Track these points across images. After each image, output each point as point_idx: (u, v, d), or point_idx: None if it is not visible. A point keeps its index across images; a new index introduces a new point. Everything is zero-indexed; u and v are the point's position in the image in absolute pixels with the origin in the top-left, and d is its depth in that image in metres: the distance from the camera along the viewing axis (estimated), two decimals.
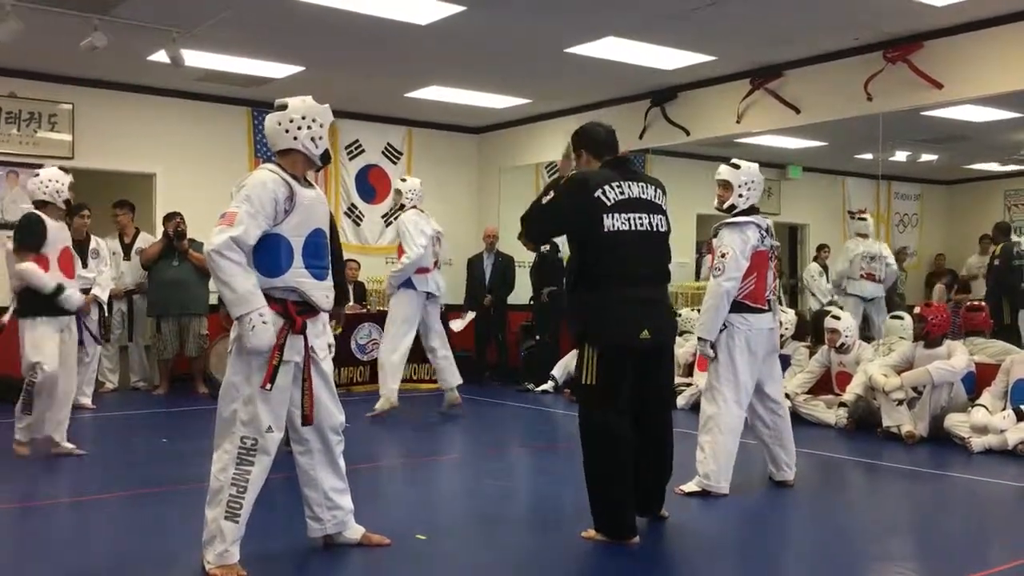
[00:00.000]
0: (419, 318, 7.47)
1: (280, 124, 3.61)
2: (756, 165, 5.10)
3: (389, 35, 7.41)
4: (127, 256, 8.96)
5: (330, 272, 3.65)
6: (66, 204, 5.74)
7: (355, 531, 3.84)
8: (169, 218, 8.70)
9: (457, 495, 5.21)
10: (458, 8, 6.72)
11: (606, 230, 3.83)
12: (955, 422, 6.46)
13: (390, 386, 7.34)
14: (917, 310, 7.07)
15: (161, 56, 7.72)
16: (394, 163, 11.14)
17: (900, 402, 6.62)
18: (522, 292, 10.44)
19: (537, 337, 9.96)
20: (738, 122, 8.64)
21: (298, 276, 3.50)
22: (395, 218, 8.12)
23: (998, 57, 6.89)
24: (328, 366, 3.70)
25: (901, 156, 11.94)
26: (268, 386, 3.39)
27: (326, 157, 3.68)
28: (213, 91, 9.55)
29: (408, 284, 7.34)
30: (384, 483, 5.41)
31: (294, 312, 3.48)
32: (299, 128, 3.59)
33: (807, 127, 8.61)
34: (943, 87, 7.23)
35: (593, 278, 3.93)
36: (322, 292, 3.58)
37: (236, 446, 3.42)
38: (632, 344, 3.88)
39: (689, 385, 8.30)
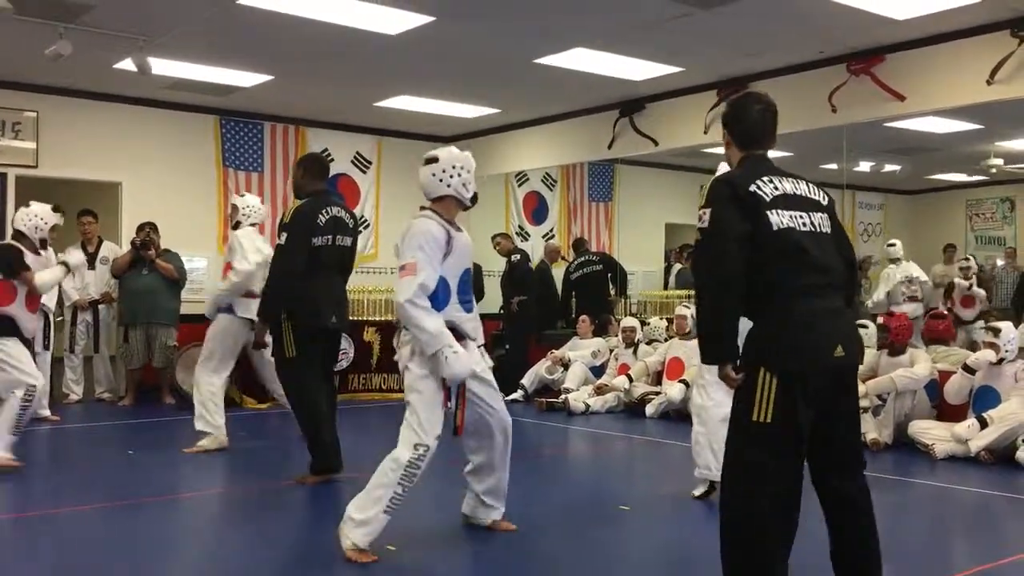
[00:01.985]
0: (239, 348, 6.55)
1: (434, 175, 4.07)
2: None
3: (358, 45, 7.41)
4: (91, 266, 8.87)
5: (474, 305, 4.15)
6: (41, 243, 5.96)
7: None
8: (140, 228, 8.65)
9: (431, 505, 5.20)
10: (427, 19, 6.74)
11: (775, 228, 2.98)
12: (919, 429, 6.56)
13: (218, 422, 6.32)
14: (880, 319, 7.17)
15: (127, 64, 7.66)
16: (364, 172, 11.12)
17: (865, 410, 6.70)
18: (492, 301, 10.45)
19: (507, 346, 9.97)
20: (705, 132, 8.72)
21: (454, 311, 3.98)
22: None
23: (958, 70, 7.02)
24: (490, 377, 4.21)
25: (865, 166, 12.14)
26: (449, 405, 3.94)
27: (475, 199, 4.18)
28: (180, 99, 9.48)
29: (229, 309, 6.35)
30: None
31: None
32: (451, 176, 4.06)
33: None
34: (905, 99, 7.35)
35: (765, 291, 3.00)
36: (471, 324, 4.12)
37: (410, 451, 3.84)
38: (825, 364, 2.98)
39: (658, 394, 8.35)
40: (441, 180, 4.06)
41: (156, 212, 9.04)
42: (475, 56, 7.85)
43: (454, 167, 4.07)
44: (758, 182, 3.03)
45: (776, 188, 3.04)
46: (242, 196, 6.90)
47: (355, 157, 11.09)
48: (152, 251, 8.52)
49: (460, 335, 3.98)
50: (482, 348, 4.26)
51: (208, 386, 6.28)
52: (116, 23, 6.93)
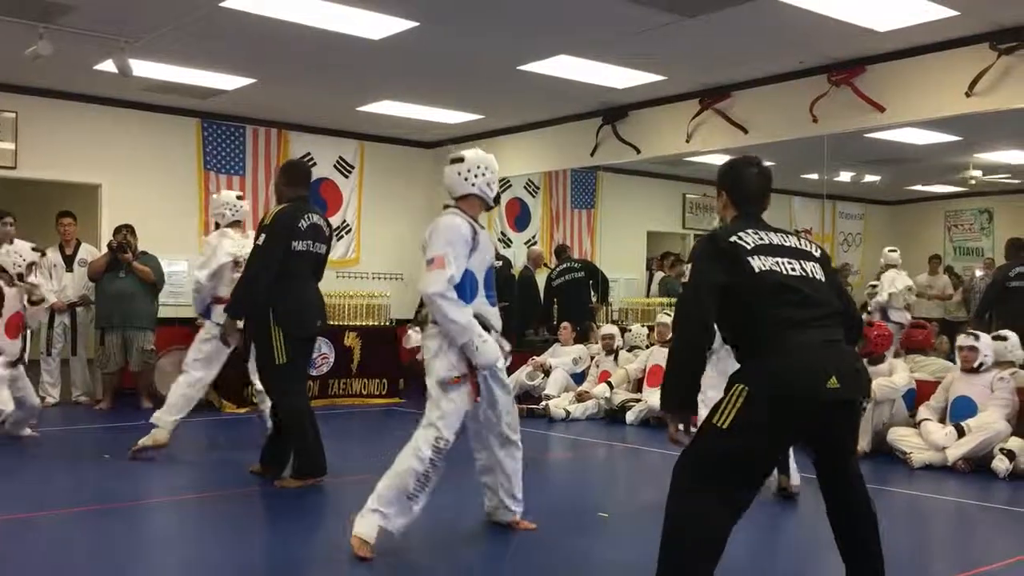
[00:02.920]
0: (223, 354, 6.23)
1: (460, 174, 4.20)
2: None
3: (342, 49, 7.39)
4: (69, 268, 8.80)
5: (496, 299, 4.27)
6: (18, 276, 6.50)
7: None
8: (117, 230, 8.59)
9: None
10: (411, 24, 6.73)
11: (757, 271, 3.01)
12: (898, 436, 6.60)
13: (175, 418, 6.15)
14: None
15: (108, 65, 7.61)
16: (346, 176, 11.10)
17: None
18: None
19: None
20: (687, 141, 8.76)
21: (481, 304, 4.12)
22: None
23: (937, 82, 7.09)
24: (505, 376, 4.31)
25: (845, 176, 12.21)
26: (478, 399, 4.08)
27: (497, 199, 4.34)
28: (161, 102, 9.43)
29: (207, 314, 6.23)
30: (336, 498, 5.37)
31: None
32: (475, 176, 4.19)
33: (754, 147, 8.76)
34: (885, 110, 7.41)
35: (756, 332, 3.02)
36: (495, 316, 4.25)
37: (431, 446, 3.95)
38: (815, 395, 2.91)
39: (638, 401, 8.36)
40: (466, 179, 4.19)
41: (136, 215, 8.98)
42: (458, 62, 7.85)
43: (479, 167, 4.21)
44: (740, 234, 3.11)
45: (761, 239, 3.11)
46: (216, 195, 6.81)
47: (337, 161, 11.06)
48: (129, 254, 8.46)
49: (487, 327, 4.12)
50: (502, 339, 4.35)
51: (186, 387, 6.17)
52: (97, 24, 6.89)
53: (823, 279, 3.13)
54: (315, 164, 10.78)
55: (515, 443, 4.38)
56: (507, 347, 4.38)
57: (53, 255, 8.74)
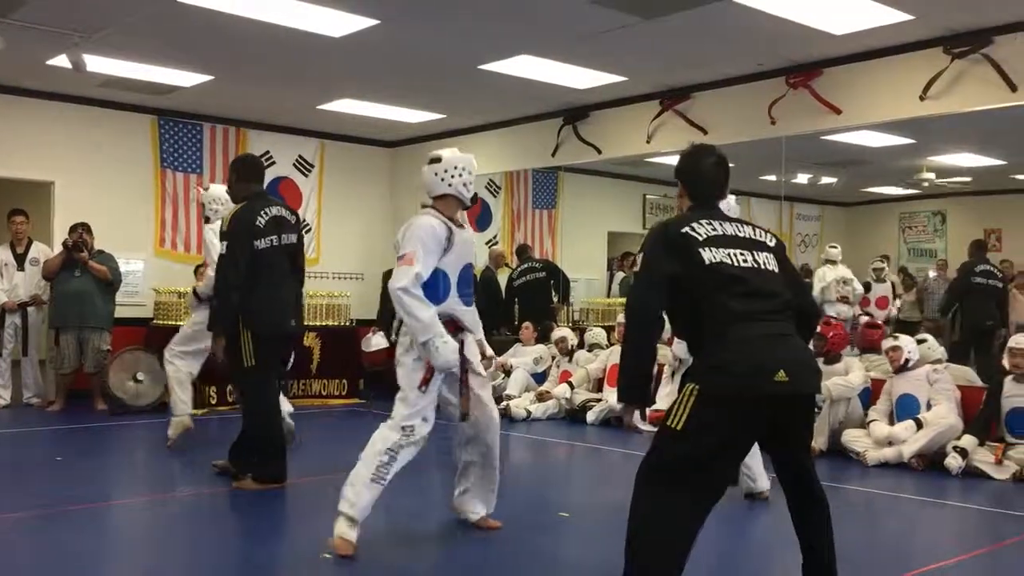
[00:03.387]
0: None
1: (436, 174, 4.25)
2: None
3: (302, 47, 7.33)
4: (20, 267, 8.63)
5: (474, 299, 4.33)
6: None
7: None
8: (73, 229, 8.44)
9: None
10: (372, 22, 6.69)
11: (707, 263, 3.01)
12: (851, 437, 6.70)
13: (187, 402, 6.48)
14: (817, 328, 7.30)
15: (62, 61, 7.47)
16: (305, 175, 11.00)
17: None
18: None
19: None
20: (648, 142, 8.80)
21: (454, 304, 4.18)
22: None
23: (892, 85, 7.19)
24: (483, 372, 4.39)
25: (803, 178, 12.36)
26: (423, 388, 4.07)
27: (475, 199, 4.35)
28: (117, 98, 9.28)
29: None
30: (298, 499, 5.32)
31: (452, 332, 4.12)
32: (452, 176, 4.23)
33: None
34: (842, 112, 7.50)
35: (704, 325, 3.03)
36: (470, 316, 4.30)
37: (398, 432, 4.04)
38: (762, 391, 2.90)
39: (599, 400, 8.39)
40: (443, 179, 4.24)
41: (90, 213, 8.82)
42: (420, 61, 7.82)
43: (456, 167, 4.25)
44: (693, 224, 3.10)
45: (714, 230, 3.09)
46: (206, 189, 6.75)
47: (297, 160, 10.96)
48: (85, 252, 8.32)
49: (459, 327, 4.20)
50: (480, 341, 4.42)
51: (175, 371, 6.36)
52: (51, 18, 6.75)
53: (775, 270, 3.12)
54: (274, 163, 10.68)
55: (495, 452, 4.44)
56: (489, 352, 4.47)
57: (4, 254, 8.58)
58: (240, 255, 5.12)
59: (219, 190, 6.56)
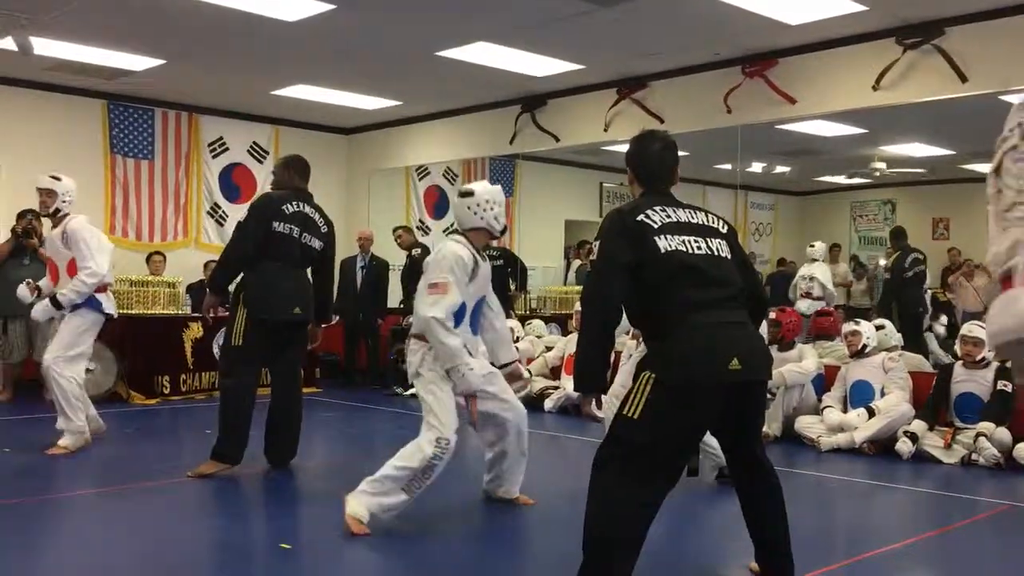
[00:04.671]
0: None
1: (469, 208, 4.42)
2: None
3: (255, 31, 7.22)
4: None
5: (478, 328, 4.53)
6: None
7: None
8: (22, 215, 8.24)
9: (330, 501, 5.12)
10: (327, 6, 6.62)
11: (663, 251, 3.03)
12: (805, 424, 6.79)
13: (81, 419, 5.93)
14: (772, 315, 7.38)
15: (8, 43, 7.28)
16: (260, 162, 10.86)
17: None
18: (393, 295, 10.35)
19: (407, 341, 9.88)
20: (605, 130, 8.83)
21: (464, 332, 4.30)
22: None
23: (846, 75, 7.29)
24: (498, 375, 4.61)
25: (757, 167, 12.47)
26: (461, 401, 4.28)
27: (504, 231, 4.60)
28: (66, 82, 9.08)
29: (90, 303, 5.96)
30: (250, 492, 5.26)
31: None
32: (484, 209, 4.41)
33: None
34: (796, 102, 7.59)
35: (660, 311, 3.05)
36: (475, 345, 4.53)
37: (432, 446, 4.12)
38: (717, 379, 2.96)
39: (556, 388, 8.41)
40: (475, 213, 4.41)
41: (37, 200, 8.59)
42: (375, 47, 7.75)
43: (487, 201, 4.42)
44: (648, 211, 3.11)
45: (668, 216, 3.12)
46: (59, 179, 6.20)
47: (251, 147, 10.82)
48: (35, 239, 8.13)
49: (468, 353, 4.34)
50: (517, 366, 4.79)
51: (67, 382, 5.87)
52: None
53: (728, 256, 3.16)
54: (228, 149, 10.54)
55: (525, 440, 4.70)
56: (525, 375, 4.75)
57: None
58: (254, 230, 5.22)
59: (72, 182, 6.20)
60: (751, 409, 3.20)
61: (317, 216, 5.50)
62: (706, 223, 3.20)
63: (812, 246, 10.38)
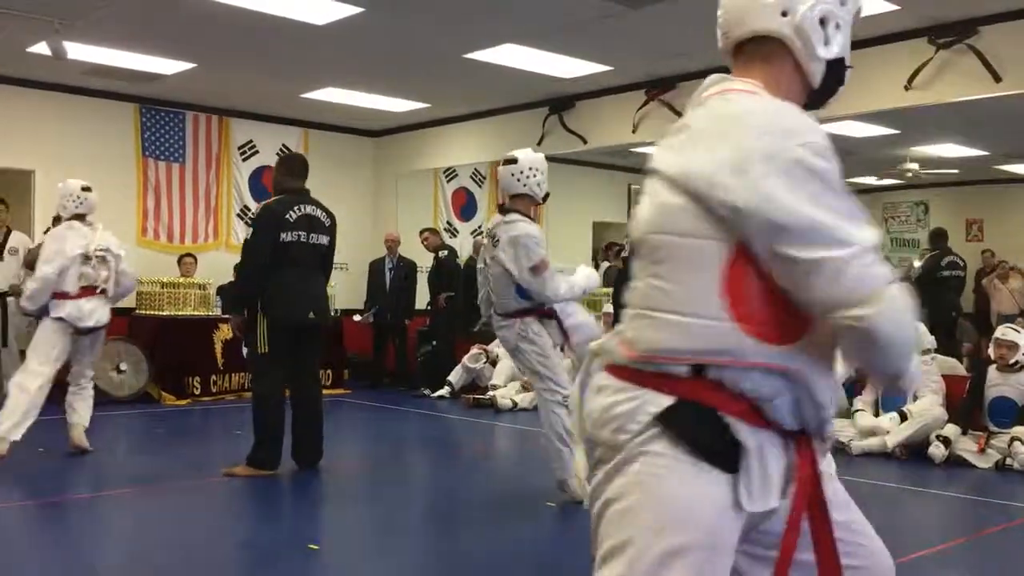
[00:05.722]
0: (65, 351, 5.96)
1: (512, 175, 4.61)
2: None
3: (285, 34, 7.27)
4: (0, 256, 8.53)
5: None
6: None
7: None
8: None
9: (357, 502, 5.14)
10: (356, 9, 6.64)
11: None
12: (836, 428, 6.71)
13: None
14: None
15: (42, 48, 7.38)
16: None
17: None
18: (420, 297, 10.39)
19: (434, 343, 9.92)
20: (634, 132, 8.79)
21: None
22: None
23: (877, 75, 7.18)
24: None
25: None
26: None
27: (546, 197, 4.73)
28: (99, 86, 9.18)
29: (47, 311, 5.85)
30: (279, 493, 5.30)
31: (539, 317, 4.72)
32: (527, 176, 4.60)
33: None
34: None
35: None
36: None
37: (559, 403, 4.52)
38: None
39: None
40: (519, 180, 4.59)
41: None
42: (404, 49, 7.77)
43: (531, 168, 4.59)
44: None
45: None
46: (61, 184, 6.23)
47: (281, 149, 10.88)
48: None
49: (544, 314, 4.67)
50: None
51: (14, 387, 5.79)
52: (31, 5, 6.67)
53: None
54: (257, 152, 10.62)
55: None
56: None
57: None
58: (262, 245, 5.32)
59: (74, 186, 6.10)
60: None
61: (319, 212, 5.60)
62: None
63: None
